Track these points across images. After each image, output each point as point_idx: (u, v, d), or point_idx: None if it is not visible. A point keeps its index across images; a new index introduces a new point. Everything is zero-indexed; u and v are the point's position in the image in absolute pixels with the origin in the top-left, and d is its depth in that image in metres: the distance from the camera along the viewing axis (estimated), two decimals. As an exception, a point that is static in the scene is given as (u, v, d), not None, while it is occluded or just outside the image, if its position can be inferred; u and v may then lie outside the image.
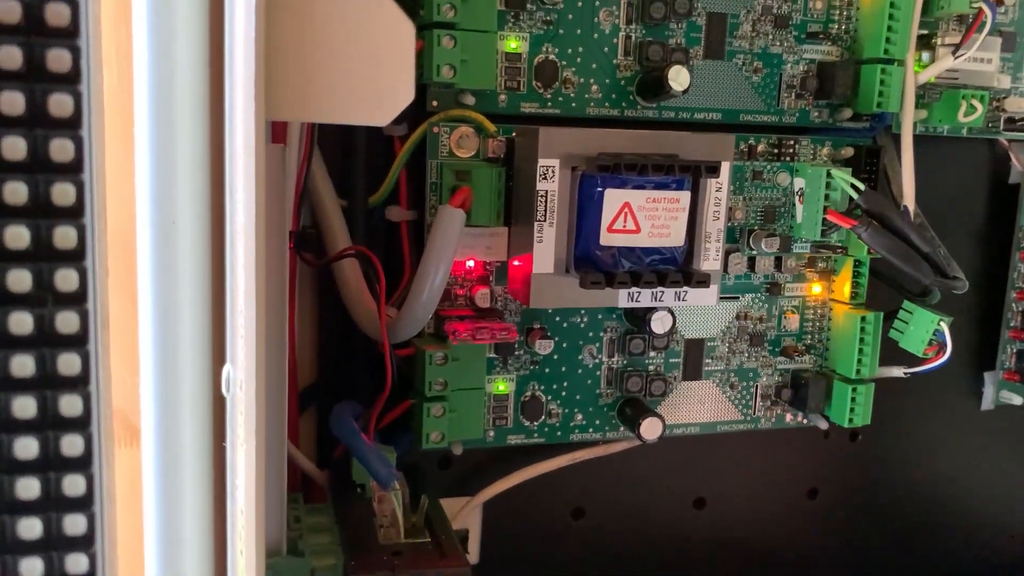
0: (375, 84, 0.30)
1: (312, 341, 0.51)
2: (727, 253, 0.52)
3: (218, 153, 0.32)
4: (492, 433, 0.51)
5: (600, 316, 0.51)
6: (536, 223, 0.45)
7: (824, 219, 0.50)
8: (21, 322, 0.23)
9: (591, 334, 0.52)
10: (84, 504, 0.25)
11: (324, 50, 0.30)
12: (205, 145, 0.31)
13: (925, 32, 0.54)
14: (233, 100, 0.29)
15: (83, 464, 0.25)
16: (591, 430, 0.53)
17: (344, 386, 0.50)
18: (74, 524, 0.25)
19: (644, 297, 0.46)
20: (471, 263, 0.49)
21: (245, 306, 0.30)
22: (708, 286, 0.45)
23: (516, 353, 0.50)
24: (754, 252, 0.53)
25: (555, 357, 0.51)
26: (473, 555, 0.55)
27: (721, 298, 0.53)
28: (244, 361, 0.31)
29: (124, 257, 0.45)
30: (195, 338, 0.33)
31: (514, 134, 0.47)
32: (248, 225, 0.28)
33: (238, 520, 0.33)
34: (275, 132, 0.44)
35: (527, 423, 0.51)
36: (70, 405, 0.25)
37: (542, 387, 0.51)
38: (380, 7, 0.30)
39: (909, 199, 0.52)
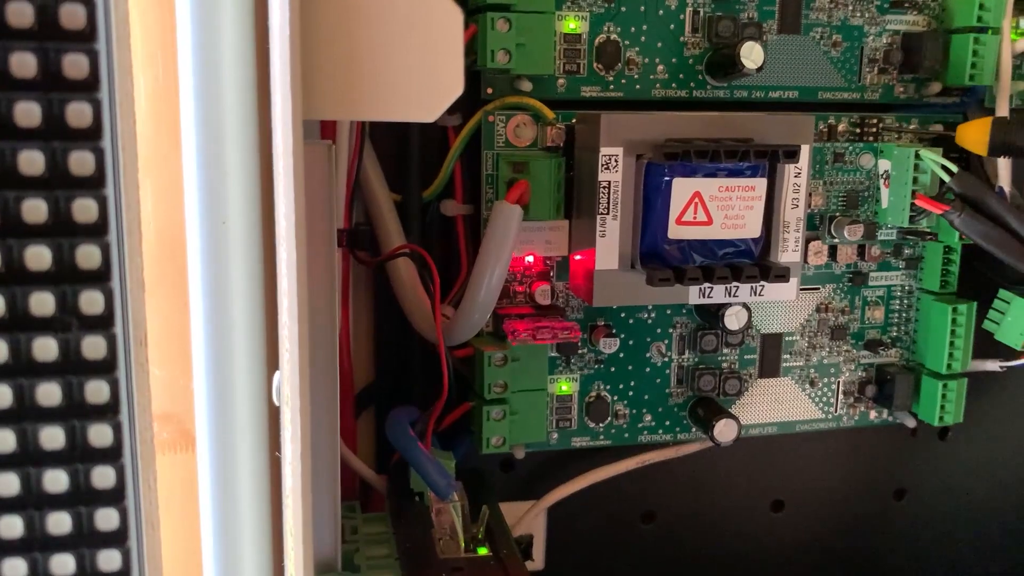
0: (421, 77, 0.28)
1: (368, 341, 0.49)
2: (806, 242, 0.48)
3: (267, 152, 0.30)
4: (556, 435, 0.49)
5: (669, 312, 0.48)
6: (599, 216, 0.42)
7: (912, 204, 0.46)
8: (46, 348, 0.22)
9: (659, 330, 0.49)
10: (119, 539, 0.23)
11: (365, 43, 0.27)
12: (254, 143, 0.29)
13: (1023, -4, 0.49)
14: (274, 99, 0.27)
15: (116, 498, 0.23)
16: (661, 431, 0.50)
17: (402, 388, 0.48)
18: (109, 560, 0.23)
19: (717, 293, 0.43)
20: (530, 259, 0.46)
21: (288, 314, 0.29)
22: (787, 280, 0.42)
23: (579, 352, 0.48)
24: (835, 240, 0.49)
25: (621, 355, 0.48)
26: (538, 561, 0.52)
27: (801, 290, 0.50)
28: (288, 374, 0.29)
29: (168, 266, 0.44)
30: (247, 342, 0.32)
31: (574, 121, 0.45)
32: (288, 229, 0.26)
33: (287, 540, 0.32)
34: (324, 127, 0.42)
35: (592, 425, 0.49)
36: (99, 435, 0.23)
37: (607, 387, 0.49)
38: (425, -8, 0.27)
39: (1004, 180, 0.48)
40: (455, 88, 0.28)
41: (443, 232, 0.48)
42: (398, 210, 0.46)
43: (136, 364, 0.27)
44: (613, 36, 0.45)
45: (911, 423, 0.52)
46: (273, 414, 0.35)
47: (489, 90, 0.44)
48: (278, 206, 0.28)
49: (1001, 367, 0.51)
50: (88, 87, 0.22)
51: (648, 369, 0.49)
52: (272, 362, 0.33)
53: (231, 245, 0.31)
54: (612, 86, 0.46)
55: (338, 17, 0.27)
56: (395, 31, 0.28)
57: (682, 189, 0.41)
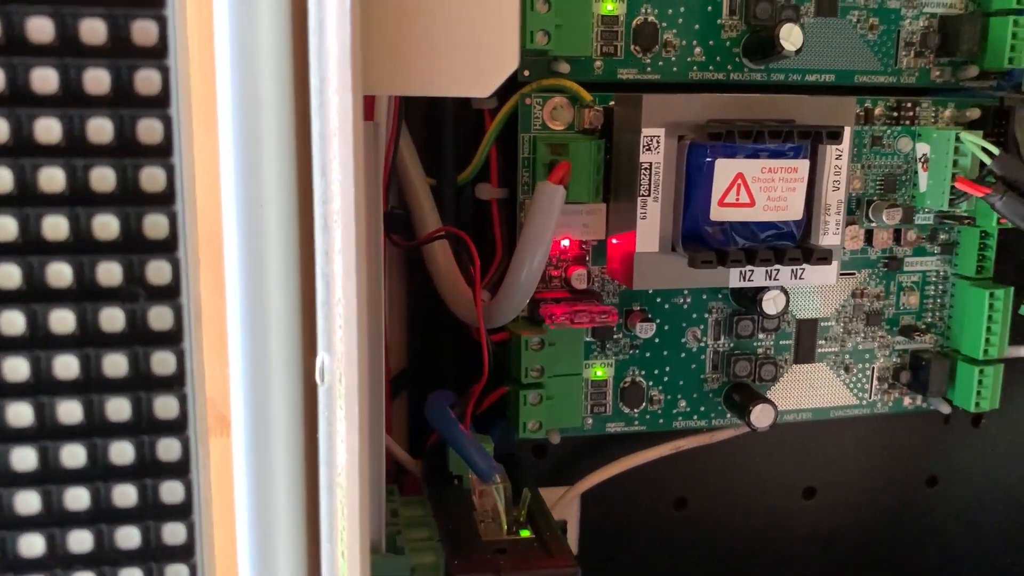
0: (477, 51, 0.28)
1: (401, 326, 0.49)
2: (845, 225, 0.48)
3: (304, 131, 0.30)
4: (590, 421, 0.48)
5: (705, 296, 0.48)
6: (640, 198, 0.42)
7: (952, 187, 0.45)
8: (112, 319, 0.21)
9: (695, 315, 0.48)
10: (184, 512, 0.23)
11: (421, 17, 0.27)
12: (290, 122, 0.29)
13: (1062, -23, 0.49)
14: (325, 75, 0.26)
15: (181, 470, 0.23)
16: (695, 417, 0.50)
17: (435, 372, 0.48)
18: (173, 533, 0.23)
19: (757, 276, 0.43)
20: (566, 242, 0.46)
21: (344, 295, 0.28)
22: (829, 263, 0.42)
23: (615, 336, 0.48)
24: (873, 224, 0.49)
25: (656, 340, 0.48)
26: (571, 547, 0.52)
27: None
28: (344, 353, 0.29)
29: (211, 246, 0.43)
30: (286, 325, 0.31)
31: (612, 103, 0.44)
32: (347, 209, 0.26)
33: (338, 520, 0.32)
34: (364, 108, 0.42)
35: (627, 410, 0.49)
36: (165, 407, 0.23)
37: (643, 372, 0.48)
38: (482, -36, 0.27)
39: (1043, 163, 0.48)
40: (510, 62, 0.28)
41: (478, 216, 0.47)
42: (433, 194, 0.46)
43: (195, 338, 0.27)
44: (651, 18, 0.45)
45: (946, 409, 0.52)
46: (311, 400, 0.35)
47: (526, 72, 0.44)
48: (330, 187, 0.28)
49: (1037, 353, 0.50)
50: (157, 54, 0.22)
51: (683, 354, 0.49)
52: (309, 343, 0.33)
53: (268, 228, 0.30)
54: (649, 68, 0.46)
55: (396, -8, 0.27)
56: (451, 5, 0.27)
57: (725, 170, 0.41)
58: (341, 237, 0.28)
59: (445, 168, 0.46)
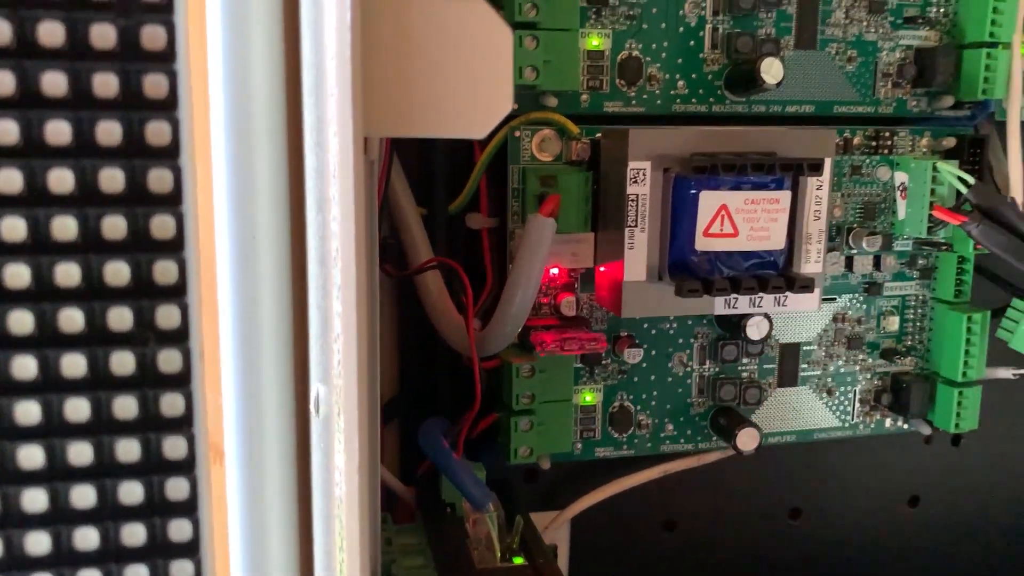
0: (472, 95, 0.29)
1: (392, 354, 0.50)
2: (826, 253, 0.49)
3: (297, 165, 0.30)
4: (580, 446, 0.49)
5: (690, 322, 0.49)
6: (627, 228, 0.43)
7: (930, 215, 0.47)
8: (123, 362, 0.22)
9: (681, 341, 0.49)
10: (192, 550, 0.24)
11: (419, 62, 0.28)
12: (283, 155, 0.29)
13: (1031, 11, 0.50)
14: (324, 116, 0.27)
15: (189, 509, 0.24)
16: (682, 441, 0.50)
17: (426, 400, 0.49)
18: (181, 570, 0.24)
19: (741, 303, 0.44)
20: (555, 271, 0.47)
21: (344, 332, 0.29)
22: (812, 291, 0.43)
23: (603, 362, 0.49)
24: (854, 251, 0.50)
25: (644, 366, 0.49)
26: (562, 571, 0.53)
27: (817, 300, 0.50)
28: (344, 387, 0.29)
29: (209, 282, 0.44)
30: (278, 355, 0.32)
31: (599, 135, 0.45)
32: (347, 248, 0.27)
33: (336, 552, 0.32)
34: (354, 141, 0.43)
35: (616, 435, 0.49)
36: (174, 447, 0.23)
37: (631, 397, 0.49)
38: (477, 13, 0.28)
39: (1017, 191, 0.49)
40: (504, 105, 0.29)
41: (469, 245, 0.48)
42: (424, 224, 0.47)
43: (203, 378, 0.27)
44: (635, 53, 0.46)
45: (926, 430, 0.53)
46: (303, 429, 0.36)
47: (515, 105, 0.45)
48: (331, 224, 0.28)
49: (1014, 375, 0.52)
50: (167, 106, 0.22)
51: (670, 379, 0.50)
52: (301, 377, 0.34)
53: (261, 260, 0.31)
54: (634, 101, 0.47)
55: (394, 37, 0.28)
56: (448, 50, 0.28)
57: (709, 202, 0.42)
58: (341, 275, 0.28)
59: (436, 198, 0.47)
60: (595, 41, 0.46)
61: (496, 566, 0.39)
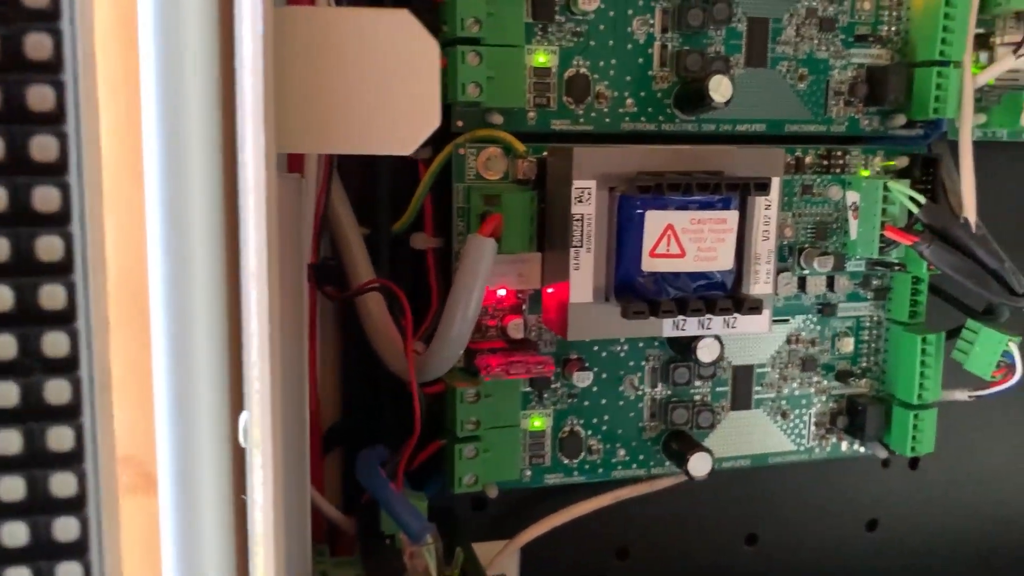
0: (398, 110, 0.27)
1: (335, 379, 0.48)
2: (776, 273, 0.49)
3: (231, 187, 0.29)
4: (529, 472, 0.48)
5: (641, 344, 0.48)
6: (572, 249, 0.41)
7: (882, 235, 0.46)
8: (6, 394, 0.20)
9: (632, 363, 0.48)
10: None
11: (340, 75, 0.27)
12: (218, 178, 0.28)
13: (982, 31, 0.50)
14: (243, 132, 0.26)
15: (79, 551, 0.22)
16: (635, 466, 0.49)
17: (370, 426, 0.47)
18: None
19: (690, 325, 0.43)
20: (502, 292, 0.46)
21: (259, 355, 0.28)
22: (760, 312, 0.42)
23: (552, 386, 0.47)
24: (805, 271, 0.49)
25: (594, 389, 0.48)
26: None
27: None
28: (259, 415, 0.28)
29: (130, 305, 0.42)
30: (211, 383, 0.31)
31: (545, 154, 0.44)
32: (260, 268, 0.26)
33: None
34: (291, 160, 0.42)
35: (566, 461, 0.48)
36: (62, 484, 0.22)
37: (581, 421, 0.48)
38: (402, 26, 0.27)
39: (970, 210, 0.48)
40: (432, 121, 0.28)
41: (413, 266, 0.47)
42: (367, 243, 0.45)
43: (101, 409, 0.26)
44: (582, 70, 0.45)
45: (882, 453, 0.52)
46: (238, 456, 0.34)
47: (459, 123, 0.44)
48: (247, 242, 0.27)
49: (970, 396, 0.51)
50: (54, 120, 0.21)
51: (621, 403, 0.48)
52: (236, 403, 0.32)
53: (195, 283, 0.30)
54: (582, 119, 0.46)
55: (313, 49, 0.26)
56: (371, 64, 0.27)
57: (655, 222, 0.41)
58: (255, 298, 0.27)
59: (379, 218, 0.46)
60: (542, 58, 0.45)
61: (434, 601, 0.37)
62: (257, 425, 0.28)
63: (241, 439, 0.31)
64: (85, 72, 0.23)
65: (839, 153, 0.49)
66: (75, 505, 0.22)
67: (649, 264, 0.41)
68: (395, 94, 0.27)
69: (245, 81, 0.25)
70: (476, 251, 0.39)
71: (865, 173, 0.50)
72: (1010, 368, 0.48)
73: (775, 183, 0.42)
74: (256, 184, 0.25)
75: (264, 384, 0.27)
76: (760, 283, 0.44)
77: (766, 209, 0.43)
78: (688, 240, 0.41)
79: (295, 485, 0.35)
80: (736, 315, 0.42)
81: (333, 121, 0.27)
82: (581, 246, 0.42)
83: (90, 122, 0.24)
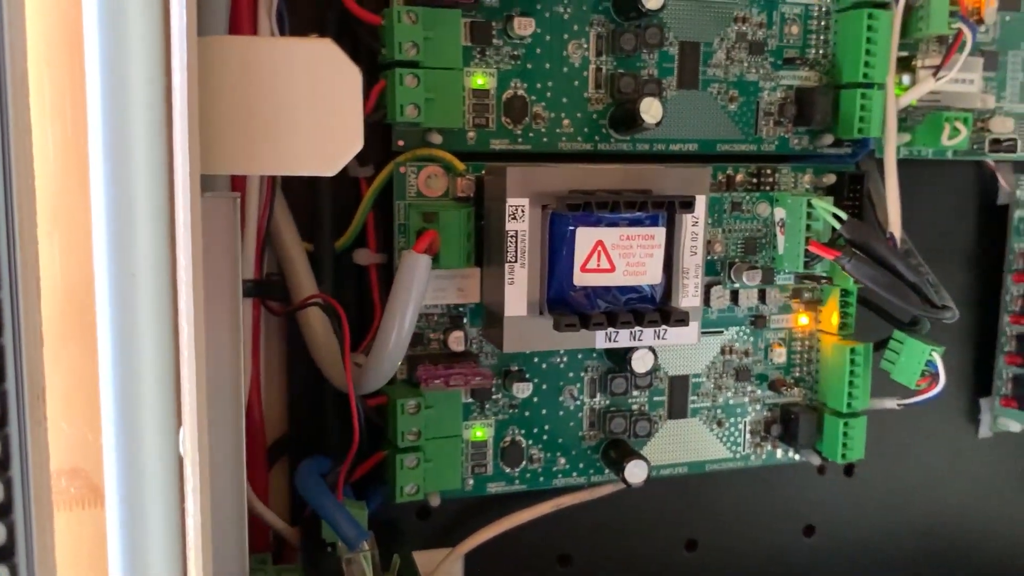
0: (322, 133, 0.29)
1: (281, 391, 0.49)
2: (708, 286, 0.50)
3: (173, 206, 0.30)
4: (471, 482, 0.49)
5: (580, 356, 0.50)
6: (507, 264, 0.43)
7: (806, 250, 0.48)
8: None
9: (571, 374, 0.50)
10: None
11: (265, 100, 0.28)
12: (163, 197, 0.29)
13: (905, 54, 0.52)
14: (176, 154, 0.27)
15: (5, 556, 0.23)
16: (575, 474, 0.51)
17: (316, 438, 0.48)
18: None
19: (622, 337, 0.45)
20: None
21: (187, 367, 0.29)
22: (687, 324, 0.44)
23: (494, 397, 0.49)
24: (736, 285, 0.51)
25: (535, 400, 0.49)
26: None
27: (705, 332, 0.51)
28: (188, 426, 0.29)
29: (78, 321, 0.43)
30: (156, 397, 0.32)
31: (483, 173, 0.46)
32: (186, 281, 0.27)
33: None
34: (234, 180, 0.43)
35: (508, 470, 0.49)
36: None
37: (522, 431, 0.49)
38: (325, 55, 0.28)
39: (895, 225, 0.51)
40: (355, 143, 0.29)
41: (357, 281, 0.48)
42: (311, 260, 0.47)
43: (32, 420, 0.27)
44: (520, 92, 0.47)
45: (816, 461, 0.54)
46: (183, 468, 0.35)
47: (400, 142, 0.46)
48: (178, 259, 0.28)
49: (899, 405, 0.53)
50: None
51: (561, 413, 0.50)
52: (180, 415, 0.34)
53: (140, 299, 0.31)
54: (520, 139, 0.47)
55: (237, 75, 0.28)
56: (294, 89, 0.28)
57: (585, 238, 0.42)
58: (184, 310, 0.28)
59: (323, 234, 0.47)
60: (480, 80, 0.46)
61: (369, 606, 0.38)
62: (188, 435, 0.30)
63: (181, 451, 0.32)
64: (16, 97, 0.24)
65: (769, 171, 0.51)
66: (2, 511, 0.23)
67: (580, 279, 0.43)
68: (319, 118, 0.29)
69: (175, 104, 0.26)
70: (410, 267, 0.40)
71: (792, 193, 0.52)
72: (934, 377, 0.50)
73: (700, 201, 0.44)
74: (183, 204, 0.27)
75: (191, 396, 0.28)
76: (689, 296, 0.45)
77: (693, 225, 0.45)
78: (617, 255, 0.43)
79: (231, 495, 0.36)
80: (665, 327, 0.44)
81: (260, 144, 0.28)
82: (515, 261, 0.43)
83: (21, 146, 0.25)
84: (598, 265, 0.43)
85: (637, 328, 0.44)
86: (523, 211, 0.43)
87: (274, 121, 0.28)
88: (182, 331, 0.30)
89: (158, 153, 0.28)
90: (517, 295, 0.43)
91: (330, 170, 0.29)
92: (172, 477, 0.34)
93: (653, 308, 0.44)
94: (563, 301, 0.43)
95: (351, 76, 0.29)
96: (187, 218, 0.26)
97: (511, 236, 0.43)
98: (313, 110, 0.29)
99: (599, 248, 0.42)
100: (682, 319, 0.43)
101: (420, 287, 0.40)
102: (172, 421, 0.34)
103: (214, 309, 0.32)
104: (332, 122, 0.29)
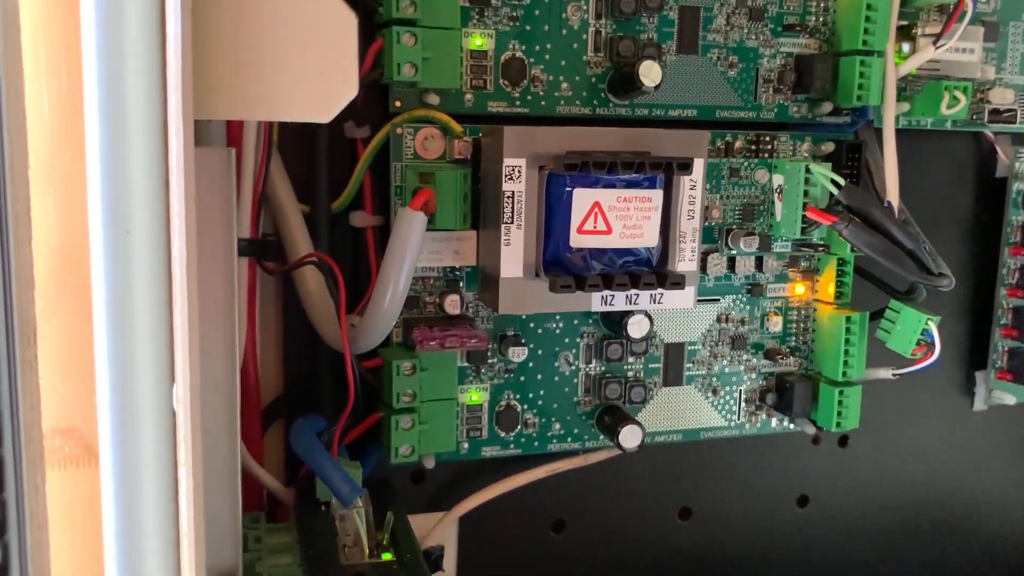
0: (315, 78, 0.29)
1: (277, 353, 0.49)
2: (705, 254, 0.50)
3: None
4: (466, 445, 0.49)
5: (576, 321, 0.50)
6: (503, 225, 0.43)
7: (804, 216, 0.48)
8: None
9: (567, 340, 0.50)
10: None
11: (257, 44, 0.28)
12: (158, 152, 0.29)
13: (905, 23, 0.52)
14: (169, 102, 0.27)
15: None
16: (570, 440, 0.51)
17: (311, 399, 0.48)
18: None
19: (618, 300, 0.45)
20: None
21: (179, 322, 0.29)
22: (683, 287, 0.44)
23: (489, 361, 0.49)
24: (733, 252, 0.51)
25: (530, 364, 0.49)
26: (449, 572, 0.53)
27: (701, 300, 0.51)
28: (180, 381, 0.29)
29: (72, 279, 0.43)
30: (151, 355, 0.31)
31: (480, 134, 0.46)
32: (179, 235, 0.27)
33: (183, 544, 0.32)
34: (230, 135, 0.43)
35: (503, 434, 0.50)
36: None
37: (517, 396, 0.50)
38: (318, -3, 0.28)
39: (892, 194, 0.50)
40: (350, 89, 0.29)
41: (353, 243, 0.48)
42: (307, 221, 0.46)
43: (23, 363, 0.26)
44: (518, 54, 0.47)
45: (810, 430, 0.54)
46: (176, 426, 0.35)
47: (397, 103, 0.45)
48: (172, 211, 0.28)
49: (894, 375, 0.53)
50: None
51: (557, 378, 0.50)
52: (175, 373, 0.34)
53: (134, 256, 0.30)
54: (518, 102, 0.47)
55: (230, 20, 0.28)
56: (288, 33, 0.28)
57: (582, 199, 0.42)
58: (178, 268, 0.28)
59: (319, 196, 0.47)
60: (478, 41, 0.46)
61: (362, 562, 0.38)
62: (181, 389, 0.29)
63: (175, 405, 0.32)
64: (8, 56, 0.24)
65: (767, 138, 0.51)
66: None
67: (577, 240, 0.43)
68: (313, 63, 0.28)
69: (169, 50, 0.26)
70: (405, 225, 0.40)
71: (791, 160, 0.51)
72: (930, 346, 0.50)
73: (698, 163, 0.44)
74: (176, 153, 0.26)
75: (183, 352, 0.28)
76: (685, 260, 0.45)
77: (691, 189, 0.45)
78: (614, 217, 0.43)
79: (224, 451, 0.36)
80: (661, 290, 0.44)
81: (253, 89, 0.28)
82: (512, 223, 0.43)
83: (13, 104, 0.25)
84: (595, 227, 0.43)
85: (633, 291, 0.43)
86: (520, 172, 0.42)
87: (267, 66, 0.28)
88: (175, 287, 0.29)
89: (154, 100, 0.28)
90: (513, 257, 0.43)
91: (324, 116, 0.29)
92: (166, 434, 0.34)
93: (649, 271, 0.44)
94: (559, 263, 0.43)
95: (346, 20, 0.29)
96: (180, 166, 0.26)
97: (507, 197, 0.43)
98: (307, 55, 0.28)
99: (596, 210, 0.42)
100: (678, 282, 0.43)
101: (415, 245, 0.40)
102: (166, 378, 0.34)
103: (208, 265, 0.32)
104: (327, 67, 0.29)
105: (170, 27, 0.25)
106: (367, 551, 0.39)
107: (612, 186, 0.43)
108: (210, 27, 0.27)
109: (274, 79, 0.28)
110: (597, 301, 0.44)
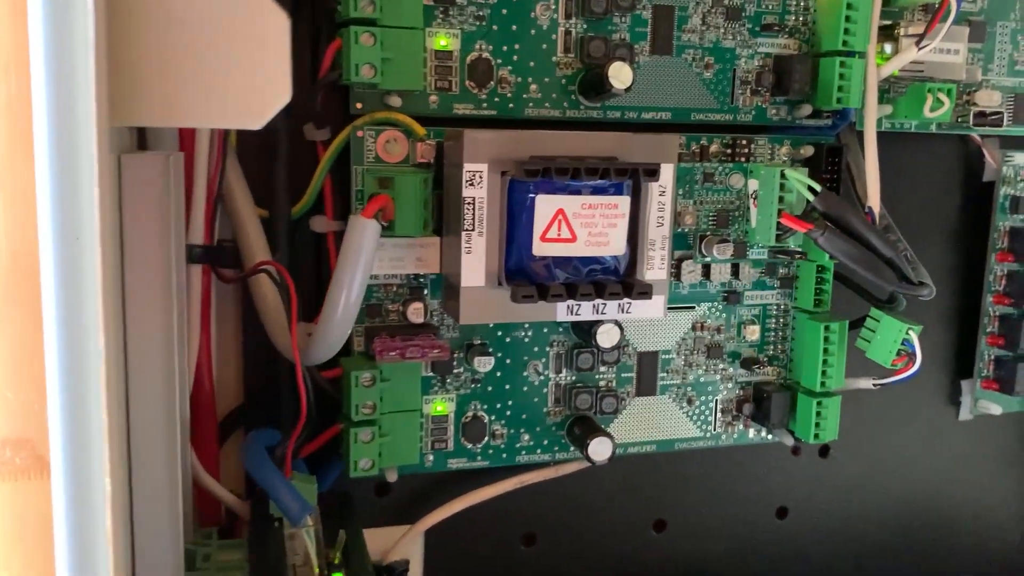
0: (245, 83, 0.27)
1: (236, 363, 0.48)
2: (680, 260, 0.49)
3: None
4: (431, 457, 0.48)
5: (546, 330, 0.48)
6: (464, 232, 0.41)
7: (778, 223, 0.46)
8: None
9: (536, 349, 0.48)
10: None
11: (183, 47, 0.26)
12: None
13: (888, 22, 0.51)
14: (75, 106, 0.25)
15: None
16: (539, 451, 0.49)
17: (271, 411, 0.47)
18: None
19: (585, 310, 0.43)
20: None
21: (101, 333, 0.27)
22: (651, 297, 0.42)
23: (455, 371, 0.47)
24: (707, 259, 0.49)
25: (498, 374, 0.48)
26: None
27: (676, 308, 0.50)
28: (102, 391, 0.28)
29: (22, 287, 0.42)
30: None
31: (444, 138, 0.44)
32: (90, 247, 0.25)
33: (99, 559, 0.30)
34: (183, 140, 0.41)
35: (469, 446, 0.48)
36: None
37: (484, 407, 0.48)
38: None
39: (874, 200, 0.49)
40: (282, 95, 0.28)
41: (314, 249, 0.47)
42: (266, 226, 0.45)
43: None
44: (485, 54, 0.45)
45: (789, 441, 0.53)
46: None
47: (358, 105, 0.44)
48: (87, 221, 0.27)
49: (875, 385, 0.51)
50: None
51: (525, 388, 0.48)
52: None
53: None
54: (485, 104, 0.46)
55: (152, 22, 0.26)
56: (215, 37, 0.27)
57: (546, 206, 0.41)
58: (95, 279, 0.27)
59: (278, 200, 0.45)
60: (443, 41, 0.45)
61: (310, 583, 0.37)
62: (103, 408, 0.28)
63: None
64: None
65: (744, 142, 0.50)
66: None
67: (540, 248, 0.41)
68: (243, 68, 0.27)
69: (80, 52, 0.24)
70: (357, 233, 0.39)
71: (766, 164, 0.50)
72: (911, 357, 0.49)
73: (667, 169, 0.42)
74: (86, 161, 0.25)
75: (95, 363, 0.27)
76: (655, 268, 0.44)
77: (660, 195, 0.43)
78: (579, 225, 0.41)
79: (162, 466, 0.35)
80: (628, 300, 0.42)
81: (179, 94, 0.27)
82: (473, 230, 0.41)
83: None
84: (559, 235, 0.41)
85: (599, 300, 0.42)
86: (481, 177, 0.41)
87: (193, 71, 0.27)
88: (86, 295, 0.28)
89: (64, 107, 0.27)
90: (475, 265, 0.42)
91: (256, 123, 0.28)
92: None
93: (616, 280, 0.42)
94: (522, 272, 0.42)
95: (278, 22, 0.27)
96: (92, 173, 0.25)
97: (468, 203, 0.41)
98: (236, 59, 0.27)
99: (560, 217, 0.41)
100: (645, 292, 0.42)
101: (368, 254, 0.39)
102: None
103: (138, 272, 0.31)
104: (257, 72, 0.27)
105: (79, 30, 0.23)
106: (317, 570, 0.38)
107: (577, 192, 0.41)
108: (128, 29, 0.26)
109: (201, 84, 0.27)
110: (563, 311, 0.43)
